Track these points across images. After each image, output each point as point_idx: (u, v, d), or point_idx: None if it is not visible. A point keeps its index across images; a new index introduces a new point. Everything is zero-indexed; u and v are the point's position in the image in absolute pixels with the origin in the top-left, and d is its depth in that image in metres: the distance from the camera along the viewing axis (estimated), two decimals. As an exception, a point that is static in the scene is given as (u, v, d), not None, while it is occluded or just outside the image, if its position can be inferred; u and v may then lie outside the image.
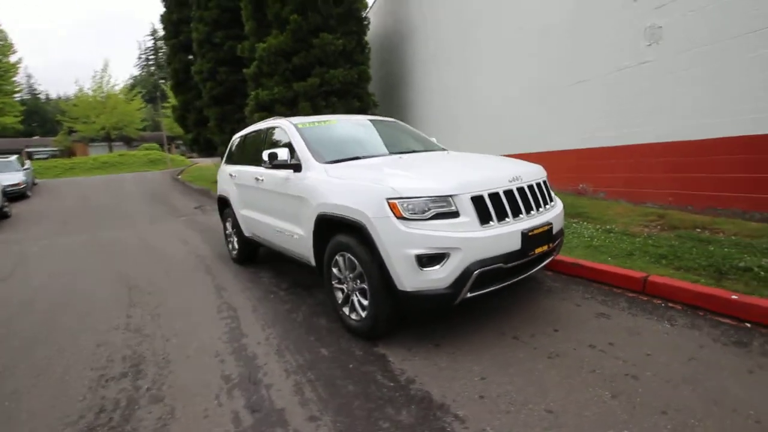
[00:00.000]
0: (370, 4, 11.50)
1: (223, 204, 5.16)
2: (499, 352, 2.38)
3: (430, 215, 2.30)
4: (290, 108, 10.84)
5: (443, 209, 2.31)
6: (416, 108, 11.35)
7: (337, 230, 2.79)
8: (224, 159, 5.35)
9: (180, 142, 47.82)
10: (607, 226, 4.45)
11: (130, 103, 37.39)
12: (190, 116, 17.11)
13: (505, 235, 2.38)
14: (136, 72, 64.31)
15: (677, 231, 4.07)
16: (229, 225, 5.07)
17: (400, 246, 2.28)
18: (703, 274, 3.04)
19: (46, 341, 3.10)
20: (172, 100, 36.23)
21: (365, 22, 11.40)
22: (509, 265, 2.43)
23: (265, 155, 3.32)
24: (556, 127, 6.16)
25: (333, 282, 2.89)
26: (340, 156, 3.25)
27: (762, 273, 2.84)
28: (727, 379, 1.95)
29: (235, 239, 4.92)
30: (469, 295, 2.35)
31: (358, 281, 2.64)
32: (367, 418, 1.90)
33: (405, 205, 2.30)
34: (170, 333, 3.09)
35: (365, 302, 2.58)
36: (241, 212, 4.51)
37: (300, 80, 10.79)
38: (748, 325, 2.39)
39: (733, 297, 2.50)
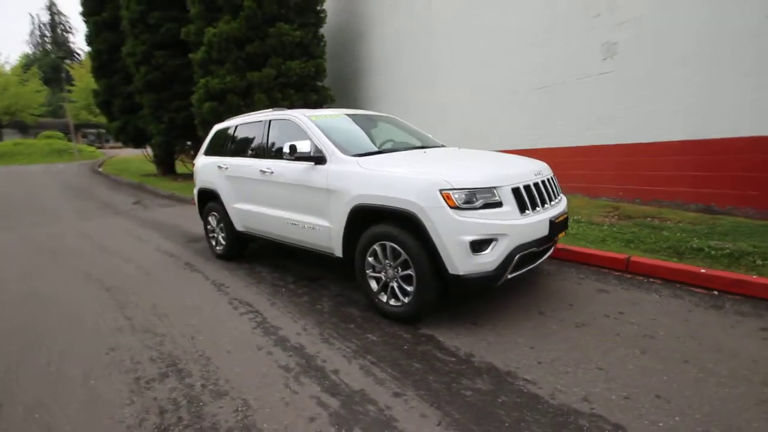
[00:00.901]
0: (327, -3, 11.38)
1: (207, 198, 4.89)
2: (533, 325, 2.69)
3: (480, 205, 2.53)
4: (243, 99, 10.38)
5: (489, 200, 2.55)
6: (373, 106, 11.50)
7: (375, 221, 2.89)
8: (204, 150, 5.06)
9: (90, 130, 42.48)
10: (574, 217, 5.07)
11: (25, 85, 32.31)
12: (115, 102, 15.39)
13: (538, 222, 2.69)
14: (27, 50, 55.48)
15: (633, 220, 4.79)
16: (213, 220, 4.83)
17: (454, 233, 2.48)
18: (666, 254, 3.67)
19: (40, 349, 2.77)
20: (80, 83, 32.09)
21: (322, 15, 11.28)
22: (540, 249, 2.76)
23: (286, 147, 3.28)
24: (521, 128, 6.77)
25: (367, 271, 2.99)
26: (363, 149, 3.33)
27: (712, 252, 3.53)
28: (719, 333, 2.46)
29: (222, 234, 4.70)
30: (509, 276, 2.63)
31: (399, 269, 2.78)
32: (448, 389, 2.08)
33: (457, 195, 2.50)
34: (190, 331, 2.94)
35: (409, 288, 2.73)
36: (235, 206, 4.34)
37: (254, 70, 10.36)
38: (716, 292, 2.99)
39: (702, 271, 3.10)
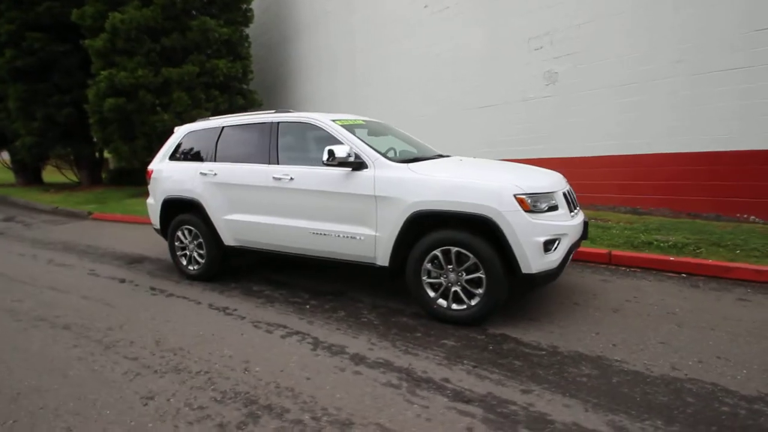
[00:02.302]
0: (254, -3, 10.71)
1: (176, 209, 4.19)
2: (579, 314, 3.01)
3: (545, 208, 2.76)
4: (158, 97, 9.14)
5: (551, 203, 2.81)
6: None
7: (434, 227, 2.90)
8: (167, 154, 4.35)
9: None
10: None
11: None
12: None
13: (579, 224, 3.04)
14: None
15: (582, 221, 5.66)
16: (184, 235, 4.16)
17: (530, 235, 2.65)
18: (624, 248, 4.45)
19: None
20: None
21: (249, 14, 10.63)
22: (579, 247, 3.12)
23: (325, 153, 3.06)
24: (468, 142, 7.37)
25: (423, 278, 2.97)
26: (399, 156, 3.31)
27: (660, 244, 4.40)
28: (714, 305, 3.09)
29: (198, 251, 4.10)
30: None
31: (464, 273, 2.84)
32: (564, 379, 2.20)
33: (530, 200, 2.69)
34: (235, 363, 2.52)
35: (477, 290, 2.80)
36: (226, 217, 3.83)
37: (172, 65, 9.19)
38: (684, 275, 3.76)
39: (671, 258, 3.86)
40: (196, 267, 4.17)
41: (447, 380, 2.26)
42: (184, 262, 4.26)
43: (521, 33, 6.58)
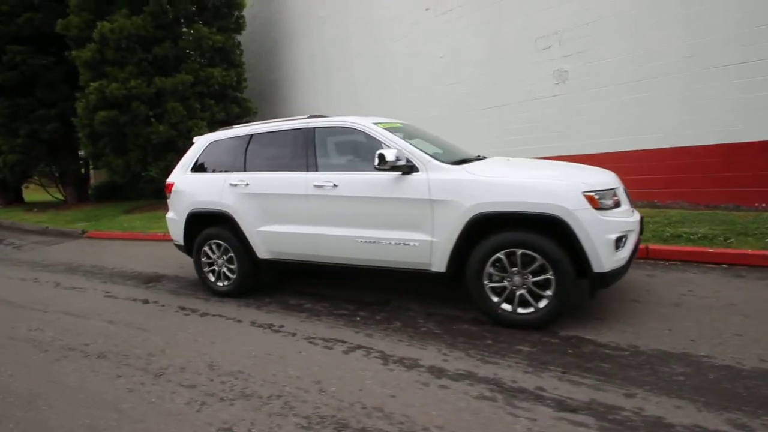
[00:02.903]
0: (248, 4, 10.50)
1: (203, 223, 3.98)
2: (643, 311, 2.96)
3: (612, 205, 2.71)
4: (152, 108, 8.83)
5: (614, 199, 2.76)
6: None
7: (496, 229, 2.81)
8: (189, 166, 4.15)
9: None
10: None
11: None
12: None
13: (639, 220, 3.01)
14: None
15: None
16: (212, 249, 3.95)
17: (602, 232, 2.59)
18: (655, 241, 4.47)
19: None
20: None
21: (241, 21, 10.43)
22: (640, 244, 3.08)
23: (376, 157, 2.94)
24: (477, 142, 7.35)
25: (485, 282, 2.87)
26: (446, 158, 3.22)
27: (690, 237, 4.44)
28: (754, 290, 3.13)
29: (228, 266, 3.90)
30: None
31: (530, 276, 2.75)
32: (661, 379, 2.13)
33: (598, 197, 2.63)
34: (306, 384, 2.36)
35: (546, 292, 2.72)
36: (261, 229, 3.66)
37: (164, 75, 8.89)
38: (725, 266, 3.79)
39: (710, 250, 3.89)
40: (226, 283, 3.96)
41: (541, 389, 2.16)
42: (213, 279, 4.04)
43: (528, 33, 6.63)
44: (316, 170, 3.43)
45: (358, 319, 3.26)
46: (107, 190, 12.58)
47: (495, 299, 2.87)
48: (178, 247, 4.33)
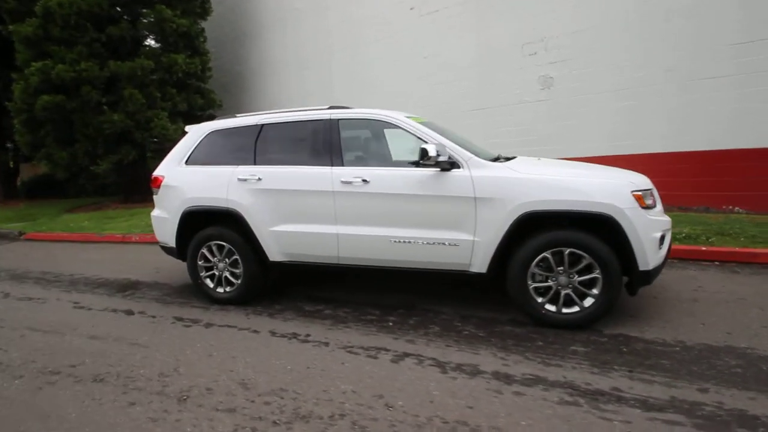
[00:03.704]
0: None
1: (204, 222, 3.55)
2: (667, 307, 3.06)
3: (653, 204, 2.77)
4: (105, 94, 7.92)
5: (653, 199, 2.83)
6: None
7: (543, 228, 2.76)
8: (183, 158, 3.70)
9: None
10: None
11: None
12: None
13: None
14: None
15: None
16: (215, 251, 3.55)
17: (649, 231, 2.63)
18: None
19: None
20: None
21: (207, 5, 9.71)
22: (667, 242, 3.20)
23: (419, 152, 2.77)
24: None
25: (529, 282, 2.81)
26: (488, 155, 3.15)
27: (676, 236, 4.75)
28: (755, 284, 3.38)
29: (232, 270, 3.52)
30: (659, 268, 2.95)
31: (576, 275, 2.73)
32: (721, 372, 2.17)
33: (644, 196, 2.68)
34: (366, 400, 2.14)
35: (592, 291, 2.70)
36: (275, 228, 3.33)
37: (121, 59, 8.00)
38: (717, 263, 4.07)
39: (703, 248, 4.17)
40: (228, 289, 3.56)
41: (618, 389, 2.12)
42: (211, 285, 3.61)
43: (515, 39, 6.79)
44: (342, 165, 3.19)
45: (391, 324, 3.06)
46: (40, 186, 11.10)
47: (539, 300, 2.83)
48: (167, 249, 3.83)
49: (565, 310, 2.79)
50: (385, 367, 2.47)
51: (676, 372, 2.25)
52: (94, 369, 2.62)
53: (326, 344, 2.79)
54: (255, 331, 3.06)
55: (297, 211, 3.27)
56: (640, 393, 2.08)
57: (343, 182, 3.11)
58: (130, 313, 3.57)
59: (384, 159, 3.24)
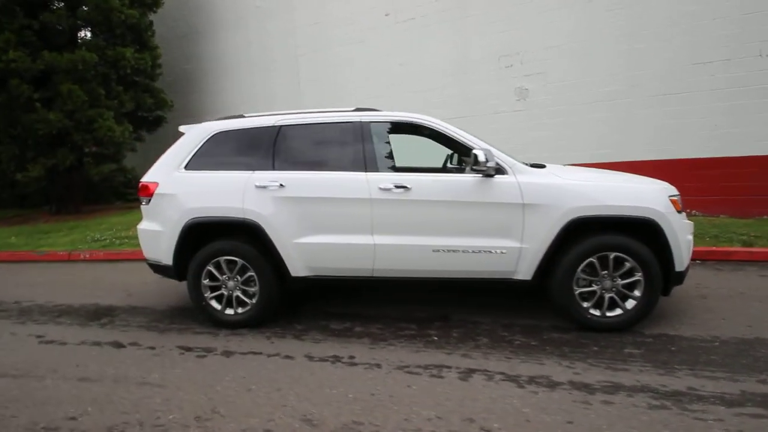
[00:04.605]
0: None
1: (211, 235, 3.12)
2: (683, 304, 3.26)
3: (682, 208, 2.94)
4: (38, 89, 6.85)
5: (682, 204, 3.00)
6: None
7: (589, 233, 2.80)
8: (183, 162, 3.26)
9: None
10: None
11: None
12: None
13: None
14: None
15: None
16: (224, 268, 3.14)
17: (684, 234, 2.78)
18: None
19: None
20: None
21: (157, -3, 8.85)
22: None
23: (471, 157, 2.69)
24: (440, 153, 7.48)
25: (575, 287, 2.83)
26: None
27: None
28: (762, 282, 3.72)
29: (245, 289, 3.15)
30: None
31: (619, 279, 2.80)
32: (766, 364, 2.36)
33: (678, 201, 2.83)
34: (455, 424, 1.98)
35: (634, 293, 2.79)
36: (300, 240, 3.03)
37: (57, 50, 6.97)
38: (698, 261, 4.45)
39: (714, 249, 4.56)
40: (240, 310, 3.15)
41: (693, 389, 2.17)
42: (218, 306, 3.17)
43: (491, 51, 7.02)
44: (376, 170, 2.98)
45: (435, 338, 2.90)
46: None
47: (584, 304, 2.85)
48: (158, 268, 3.31)
49: (608, 314, 2.86)
50: (456, 386, 2.31)
51: (729, 366, 2.37)
52: (103, 420, 2.13)
53: (378, 366, 2.56)
54: (288, 357, 2.72)
55: (327, 220, 3.00)
56: (713, 390, 2.15)
57: (381, 189, 2.91)
58: (119, 345, 3.01)
59: (420, 164, 3.10)
